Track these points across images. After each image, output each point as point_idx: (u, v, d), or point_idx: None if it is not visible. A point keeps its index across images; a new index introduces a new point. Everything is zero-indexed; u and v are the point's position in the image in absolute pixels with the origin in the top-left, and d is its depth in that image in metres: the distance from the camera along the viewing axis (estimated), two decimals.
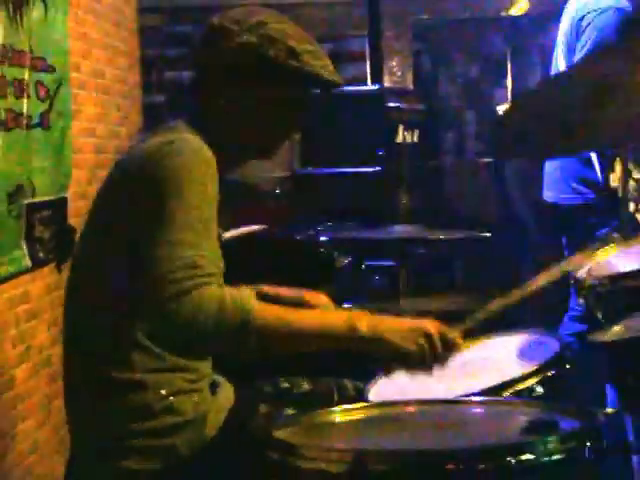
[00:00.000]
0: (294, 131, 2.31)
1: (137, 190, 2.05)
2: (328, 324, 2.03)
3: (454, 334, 2.10)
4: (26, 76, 3.15)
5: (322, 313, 2.10)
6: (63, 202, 3.50)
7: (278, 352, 2.04)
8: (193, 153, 2.05)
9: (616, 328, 2.40)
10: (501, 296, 2.31)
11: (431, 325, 2.08)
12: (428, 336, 2.05)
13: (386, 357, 2.09)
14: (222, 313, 1.91)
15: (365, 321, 2.03)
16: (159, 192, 2.00)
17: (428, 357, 2.05)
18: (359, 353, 2.07)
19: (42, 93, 3.32)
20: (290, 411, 2.29)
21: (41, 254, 3.31)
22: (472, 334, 2.30)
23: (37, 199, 3.25)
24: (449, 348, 2.08)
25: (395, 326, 2.06)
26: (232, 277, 2.28)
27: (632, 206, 3.41)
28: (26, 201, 3.16)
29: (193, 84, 2.26)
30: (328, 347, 2.05)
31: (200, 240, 1.95)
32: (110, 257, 2.09)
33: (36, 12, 3.25)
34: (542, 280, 2.34)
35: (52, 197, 3.39)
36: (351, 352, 2.12)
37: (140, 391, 2.08)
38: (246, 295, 1.96)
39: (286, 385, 2.38)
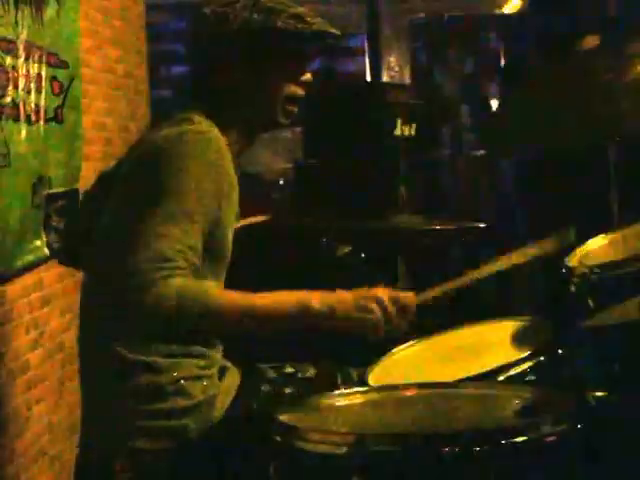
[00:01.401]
0: (303, 91, 2.33)
1: (137, 178, 2.14)
2: (281, 305, 2.07)
3: (407, 298, 2.13)
4: (43, 72, 3.25)
5: (276, 295, 2.10)
6: (76, 193, 3.57)
7: (240, 334, 2.11)
8: (198, 146, 2.11)
9: (606, 314, 2.48)
10: (469, 272, 2.35)
11: (382, 292, 2.11)
12: (380, 302, 2.08)
13: (343, 330, 2.12)
14: (182, 301, 1.96)
15: (317, 298, 2.07)
16: (152, 180, 2.08)
17: (382, 323, 2.08)
18: (320, 332, 2.11)
19: (56, 88, 3.40)
20: (289, 389, 2.36)
21: (56, 243, 3.38)
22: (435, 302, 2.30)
23: (53, 190, 3.33)
24: (403, 312, 2.12)
25: (346, 297, 2.09)
26: (236, 266, 2.38)
27: None
28: (45, 192, 3.25)
29: (200, 76, 2.31)
30: (287, 328, 2.09)
31: (176, 232, 2.01)
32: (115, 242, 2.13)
33: (50, 9, 3.33)
34: (509, 260, 2.38)
35: (66, 188, 3.47)
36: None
37: (153, 374, 2.15)
38: (205, 284, 2.03)
39: (290, 370, 2.43)
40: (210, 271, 2.19)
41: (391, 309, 2.10)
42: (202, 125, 2.18)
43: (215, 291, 2.04)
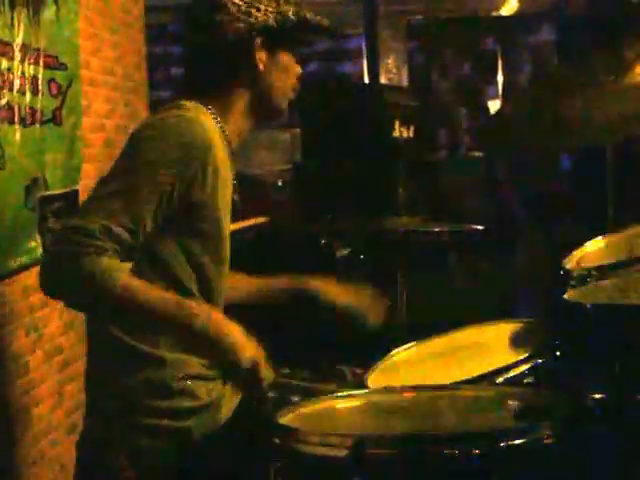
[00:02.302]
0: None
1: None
2: (168, 309, 2.07)
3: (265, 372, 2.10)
4: (40, 74, 3.25)
5: (178, 301, 2.11)
6: (74, 194, 3.58)
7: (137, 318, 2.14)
8: (171, 130, 2.15)
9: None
10: None
11: (257, 353, 2.09)
12: (254, 360, 2.07)
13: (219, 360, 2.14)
14: (91, 279, 2.01)
15: (201, 320, 2.06)
16: (116, 161, 2.17)
17: (250, 377, 2.07)
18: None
19: (54, 90, 3.40)
20: (295, 398, 2.36)
21: None
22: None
23: (49, 192, 3.33)
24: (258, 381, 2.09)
25: (224, 341, 2.07)
26: (235, 268, 2.39)
27: None
28: (40, 194, 3.24)
29: (215, 53, 2.33)
30: (168, 328, 2.13)
31: (115, 208, 2.06)
32: None
33: (48, 12, 3.34)
34: None
35: (64, 190, 3.48)
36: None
37: (161, 368, 2.18)
38: (118, 268, 2.04)
39: (287, 371, 2.46)
40: (203, 250, 2.23)
41: (258, 371, 2.08)
42: (189, 110, 2.22)
43: (126, 277, 2.05)
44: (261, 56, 2.32)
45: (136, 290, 2.06)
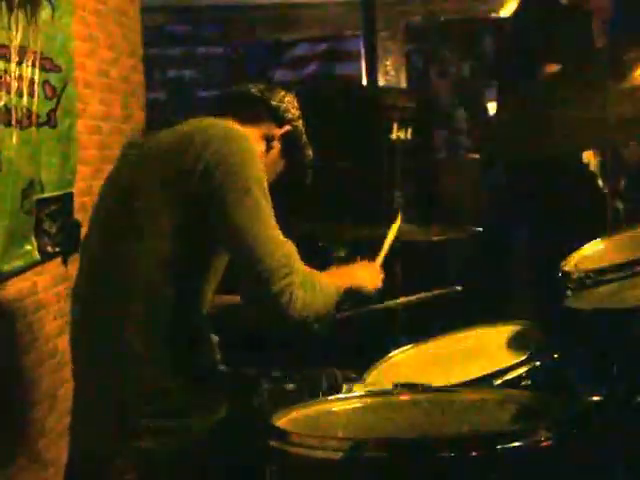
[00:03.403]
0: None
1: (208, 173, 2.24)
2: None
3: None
4: (36, 76, 3.24)
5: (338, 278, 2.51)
6: (69, 197, 3.57)
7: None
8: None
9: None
10: None
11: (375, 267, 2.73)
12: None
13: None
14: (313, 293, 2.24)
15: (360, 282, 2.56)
16: (243, 182, 2.24)
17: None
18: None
19: (49, 92, 3.39)
20: (291, 386, 2.40)
21: (49, 248, 3.37)
22: None
23: (45, 195, 3.32)
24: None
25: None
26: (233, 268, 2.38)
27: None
28: (36, 197, 3.22)
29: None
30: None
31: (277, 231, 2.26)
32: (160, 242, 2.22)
33: (43, 13, 3.32)
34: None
35: (59, 192, 3.46)
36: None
37: (168, 372, 2.20)
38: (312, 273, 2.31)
39: (277, 374, 2.45)
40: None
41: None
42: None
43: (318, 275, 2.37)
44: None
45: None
